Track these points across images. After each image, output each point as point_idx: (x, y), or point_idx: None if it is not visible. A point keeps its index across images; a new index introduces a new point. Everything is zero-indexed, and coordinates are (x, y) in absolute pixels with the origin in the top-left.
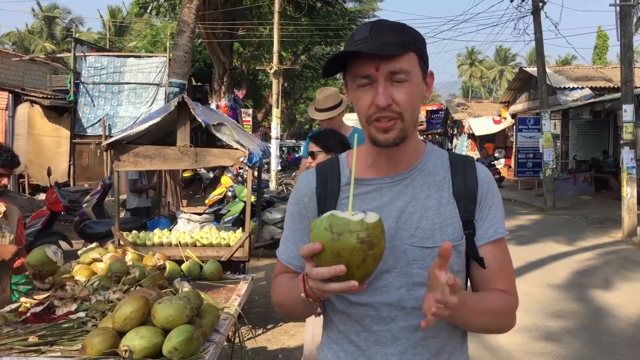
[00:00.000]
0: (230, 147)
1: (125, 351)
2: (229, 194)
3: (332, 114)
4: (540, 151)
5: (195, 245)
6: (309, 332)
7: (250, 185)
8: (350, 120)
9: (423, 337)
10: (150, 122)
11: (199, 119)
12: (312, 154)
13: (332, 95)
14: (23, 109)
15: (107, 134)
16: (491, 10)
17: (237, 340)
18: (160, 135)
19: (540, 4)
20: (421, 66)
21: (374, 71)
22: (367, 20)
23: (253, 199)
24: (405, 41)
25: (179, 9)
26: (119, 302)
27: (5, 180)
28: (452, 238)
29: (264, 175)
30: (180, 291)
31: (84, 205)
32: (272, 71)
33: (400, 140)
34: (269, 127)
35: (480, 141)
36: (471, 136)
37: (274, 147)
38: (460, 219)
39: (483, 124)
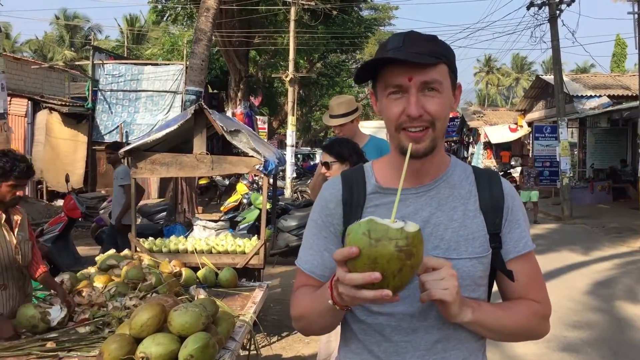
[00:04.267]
0: (246, 154)
1: (142, 358)
2: (245, 201)
3: (345, 120)
4: (557, 160)
5: (211, 253)
6: (324, 339)
7: (266, 192)
8: (367, 128)
9: (443, 349)
10: (167, 130)
11: (216, 126)
12: (327, 164)
13: (345, 102)
14: (42, 116)
15: (124, 141)
16: (507, 18)
17: (252, 348)
18: (176, 142)
19: (557, 12)
20: (451, 78)
21: (407, 81)
22: (382, 28)
23: (268, 206)
24: (438, 52)
25: (195, 17)
26: (136, 309)
27: (21, 192)
28: (478, 251)
29: (279, 183)
30: (196, 298)
31: (101, 212)
32: (287, 79)
33: (430, 150)
34: (284, 135)
35: (496, 149)
36: (487, 144)
37: (289, 155)
38: (488, 233)
39: (499, 132)
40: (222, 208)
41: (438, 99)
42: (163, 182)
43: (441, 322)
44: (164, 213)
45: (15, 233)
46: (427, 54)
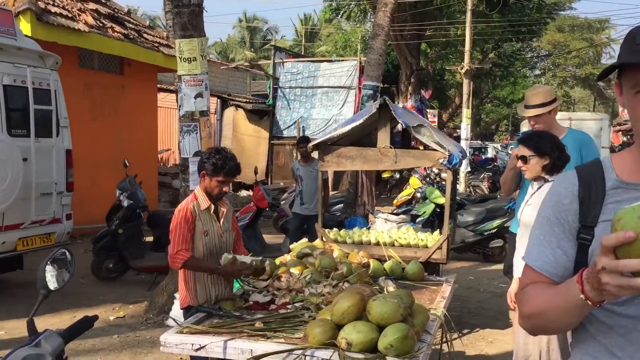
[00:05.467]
0: (416, 148)
1: (347, 344)
2: (418, 195)
3: (542, 110)
4: None
5: (393, 245)
6: (521, 341)
7: (449, 187)
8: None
9: None
10: (354, 124)
11: (399, 121)
12: (524, 158)
13: (542, 92)
14: (229, 112)
15: (301, 135)
16: None
17: (444, 343)
18: (357, 137)
19: None
20: None
21: None
22: (563, 13)
23: (443, 200)
24: None
25: (369, 13)
26: (337, 297)
27: (227, 188)
28: None
29: None
30: (385, 290)
31: (282, 203)
32: (463, 71)
33: None
34: (453, 128)
35: None
36: None
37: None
38: None
39: None
40: (394, 202)
41: None
42: (337, 175)
43: None
44: (341, 205)
45: (221, 223)
46: None
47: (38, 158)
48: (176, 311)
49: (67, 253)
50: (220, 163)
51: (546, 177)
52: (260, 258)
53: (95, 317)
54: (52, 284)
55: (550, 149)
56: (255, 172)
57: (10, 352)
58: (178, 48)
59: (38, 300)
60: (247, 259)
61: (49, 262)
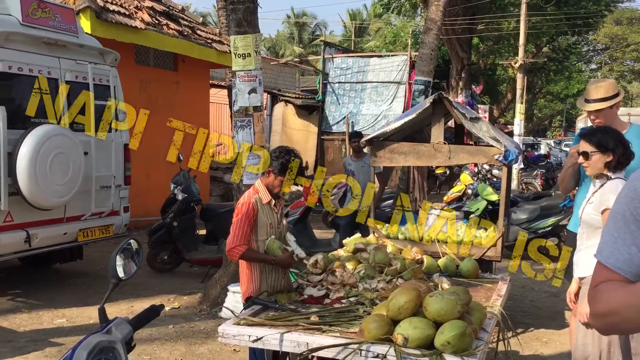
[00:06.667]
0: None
1: (404, 339)
2: (469, 191)
3: (603, 105)
4: None
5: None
6: (580, 341)
7: (505, 183)
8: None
9: None
10: (406, 119)
11: (455, 115)
12: (586, 154)
13: (604, 85)
14: (279, 108)
15: (350, 131)
16: None
17: (501, 342)
18: (409, 132)
19: None
20: None
21: None
22: (621, 5)
23: (496, 197)
24: None
25: (419, 8)
26: (393, 292)
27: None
28: None
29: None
30: (439, 286)
31: (331, 198)
32: (517, 65)
33: None
34: (504, 124)
35: None
36: None
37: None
38: None
39: None
40: (444, 198)
41: None
42: (385, 171)
43: None
44: (390, 201)
45: (279, 215)
46: None
47: (98, 152)
48: (230, 303)
49: (133, 243)
50: (290, 165)
51: (609, 174)
52: (304, 255)
53: (162, 307)
54: (120, 273)
55: (614, 145)
56: (306, 168)
57: (83, 338)
58: (233, 44)
59: (109, 289)
60: (289, 248)
61: (118, 252)
